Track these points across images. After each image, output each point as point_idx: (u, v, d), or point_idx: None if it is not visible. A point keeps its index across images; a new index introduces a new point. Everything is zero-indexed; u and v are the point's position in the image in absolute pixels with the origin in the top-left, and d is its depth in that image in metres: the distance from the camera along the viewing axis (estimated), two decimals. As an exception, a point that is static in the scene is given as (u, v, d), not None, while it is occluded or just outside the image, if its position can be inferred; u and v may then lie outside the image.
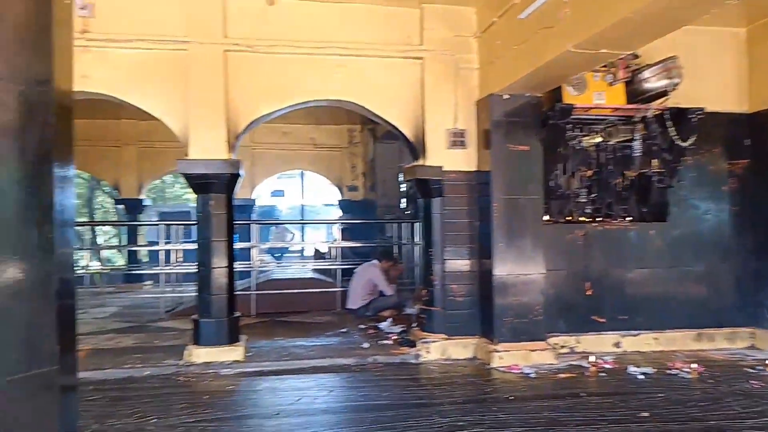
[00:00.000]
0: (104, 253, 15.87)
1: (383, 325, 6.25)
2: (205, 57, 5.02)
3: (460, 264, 5.28)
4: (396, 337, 5.74)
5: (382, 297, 7.06)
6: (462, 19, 5.29)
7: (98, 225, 18.59)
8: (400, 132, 5.42)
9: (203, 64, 5.01)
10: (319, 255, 11.47)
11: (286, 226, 15.31)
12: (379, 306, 6.96)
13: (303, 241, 16.66)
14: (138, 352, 5.28)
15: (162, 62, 5.02)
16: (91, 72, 4.86)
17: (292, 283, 7.78)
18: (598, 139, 5.28)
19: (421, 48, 5.28)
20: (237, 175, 5.14)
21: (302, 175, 17.27)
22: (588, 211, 5.41)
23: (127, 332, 6.30)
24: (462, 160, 5.29)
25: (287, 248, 14.92)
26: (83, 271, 9.39)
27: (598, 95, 4.96)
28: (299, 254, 15.31)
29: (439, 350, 5.12)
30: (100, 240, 19.10)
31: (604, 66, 4.88)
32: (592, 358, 4.93)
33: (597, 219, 5.42)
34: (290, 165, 12.64)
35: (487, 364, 4.87)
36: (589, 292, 5.35)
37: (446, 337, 5.19)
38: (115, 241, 18.04)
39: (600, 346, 5.26)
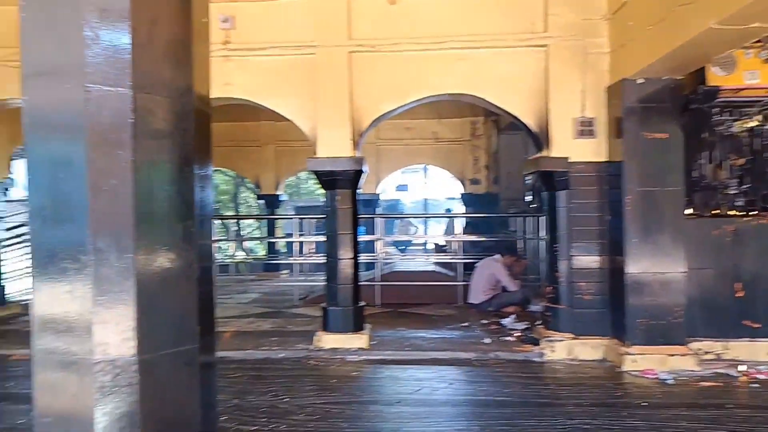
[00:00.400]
0: (247, 244, 17.36)
1: (506, 321, 6.13)
2: (331, 59, 5.28)
3: (589, 260, 5.01)
4: (519, 333, 5.61)
5: (505, 293, 6.93)
6: (589, 1, 4.99)
7: (242, 218, 20.33)
8: (523, 123, 5.27)
9: (329, 67, 5.28)
10: (439, 248, 11.51)
11: (410, 219, 15.56)
12: (502, 302, 6.84)
13: (426, 234, 16.81)
14: (274, 336, 5.73)
15: (293, 67, 5.37)
16: (233, 79, 5.35)
17: (415, 276, 7.92)
18: (753, 124, 4.69)
19: (545, 35, 5.08)
20: (361, 171, 5.34)
21: (425, 169, 17.42)
22: (739, 203, 4.84)
23: (265, 317, 6.85)
24: (590, 151, 5.01)
25: (411, 241, 15.16)
26: (229, 260, 10.37)
27: (751, 74, 4.41)
28: (422, 247, 15.47)
29: (564, 349, 4.91)
30: (244, 232, 20.91)
31: (758, 41, 4.31)
32: (742, 367, 4.42)
33: (750, 213, 4.83)
34: (413, 159, 12.80)
35: (617, 367, 4.58)
36: (739, 294, 4.79)
37: (573, 336, 4.96)
38: (256, 233, 19.62)
39: (753, 355, 4.70)
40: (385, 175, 12.62)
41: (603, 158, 4.98)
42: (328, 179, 5.33)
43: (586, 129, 5.01)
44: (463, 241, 8.33)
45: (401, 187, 20.72)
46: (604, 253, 4.98)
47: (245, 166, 12.81)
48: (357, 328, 5.32)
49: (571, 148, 5.03)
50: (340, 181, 5.29)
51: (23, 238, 10.24)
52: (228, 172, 17.91)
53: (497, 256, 7.15)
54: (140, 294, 1.56)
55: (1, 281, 7.69)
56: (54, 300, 1.55)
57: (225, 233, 14.27)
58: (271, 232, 13.54)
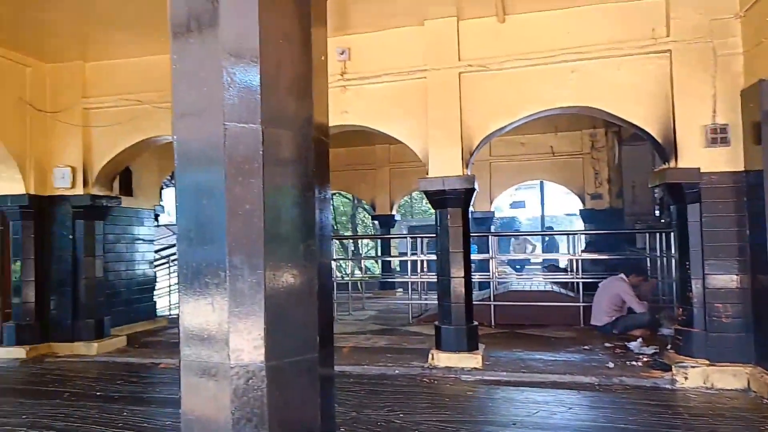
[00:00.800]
0: (364, 263, 17.91)
1: (633, 344, 5.74)
2: (441, 81, 5.40)
3: (726, 279, 4.58)
4: (647, 358, 5.23)
5: (632, 314, 6.49)
6: (718, 0, 4.64)
7: (359, 238, 21.02)
8: (646, 132, 4.98)
9: (440, 88, 5.40)
10: (554, 268, 11.05)
11: (527, 237, 15.12)
12: (627, 324, 6.42)
13: (543, 252, 16.23)
14: (389, 352, 5.87)
15: (405, 92, 5.57)
16: (349, 107, 5.67)
17: (532, 296, 7.69)
18: None
19: (667, 40, 4.80)
20: (472, 190, 5.36)
21: (541, 185, 16.87)
22: None
23: (381, 334, 7.04)
24: (724, 160, 4.61)
25: (528, 260, 14.70)
26: (347, 278, 10.78)
27: None
28: (540, 266, 14.94)
29: (699, 377, 4.50)
30: (361, 251, 21.61)
31: None
32: None
33: None
34: (528, 175, 12.48)
35: (764, 399, 4.10)
36: None
37: (709, 362, 4.53)
38: (372, 253, 20.18)
39: None
40: (498, 192, 12.43)
41: (740, 167, 4.56)
42: (439, 198, 5.41)
43: (718, 136, 4.62)
44: (584, 260, 7.95)
45: (516, 204, 20.22)
46: (744, 271, 4.52)
47: (361, 189, 13.31)
48: (471, 347, 5.29)
49: (701, 157, 4.66)
50: (450, 199, 5.35)
51: (170, 258, 11.48)
52: (346, 195, 18.71)
53: (622, 276, 6.74)
54: (268, 306, 1.74)
55: (153, 297, 8.67)
56: (197, 311, 1.77)
57: (343, 253, 14.87)
58: (385, 251, 13.88)
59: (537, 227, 19.25)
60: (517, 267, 14.00)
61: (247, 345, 1.72)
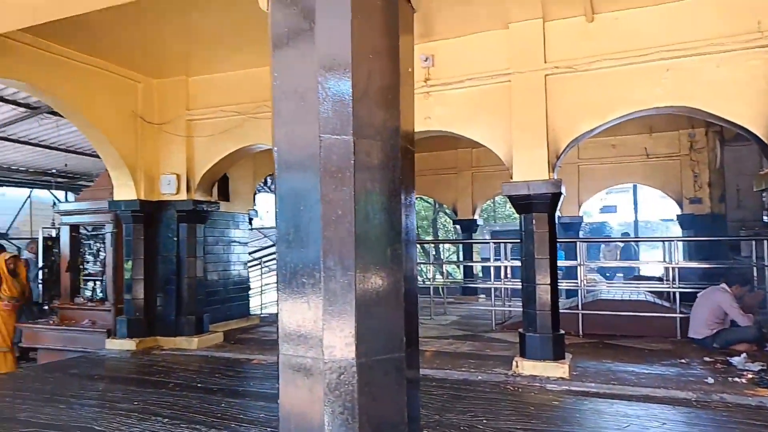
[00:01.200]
0: (445, 268, 17.86)
1: (736, 360, 5.34)
2: (526, 84, 5.34)
3: None
4: (752, 375, 4.86)
5: (735, 328, 6.04)
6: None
7: (440, 243, 21.00)
8: (751, 133, 4.66)
9: (524, 91, 5.34)
10: (645, 277, 10.45)
11: (618, 243, 14.42)
12: (730, 338, 5.98)
13: (637, 260, 15.40)
14: (472, 358, 5.85)
15: (488, 95, 5.56)
16: (432, 113, 5.74)
17: (623, 305, 7.35)
18: None
19: (776, 32, 4.46)
20: (558, 194, 5.24)
21: (635, 188, 16.05)
22: None
23: (463, 339, 7.02)
24: None
25: (619, 268, 14.02)
26: (430, 282, 10.83)
27: None
28: (633, 274, 14.19)
29: (815, 398, 4.13)
30: (442, 256, 21.56)
31: None
32: None
33: None
34: (620, 179, 11.92)
35: None
36: None
37: (827, 383, 4.15)
38: (454, 257, 20.08)
39: None
40: (587, 196, 11.98)
41: None
42: (523, 203, 5.34)
43: (837, 136, 4.23)
44: (682, 269, 7.49)
45: (607, 209, 19.35)
46: None
47: (443, 193, 13.32)
48: (557, 356, 5.17)
49: (816, 159, 4.29)
50: (536, 204, 5.26)
51: (262, 260, 12.09)
52: (427, 199, 18.75)
53: (724, 286, 6.28)
54: (359, 306, 1.84)
55: (247, 297, 9.18)
56: (294, 309, 1.91)
57: (425, 257, 14.93)
58: (467, 256, 13.78)
59: (629, 233, 18.32)
60: (608, 275, 13.41)
61: (339, 342, 1.83)
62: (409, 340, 1.98)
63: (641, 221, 18.54)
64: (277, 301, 1.99)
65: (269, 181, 11.95)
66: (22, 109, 7.72)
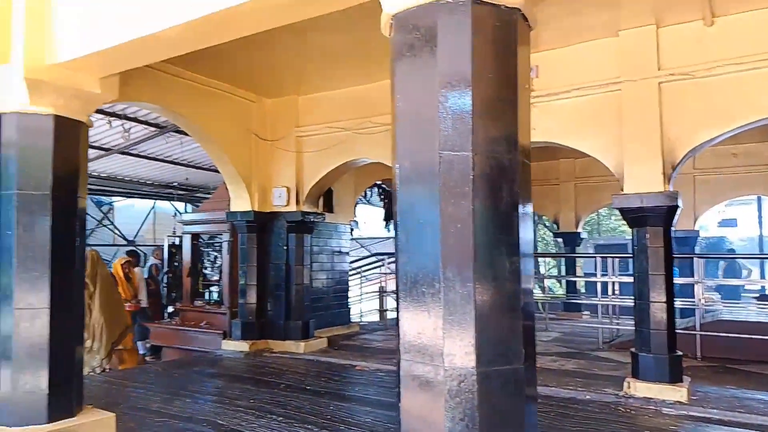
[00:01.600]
0: (546, 282, 17.28)
1: None
2: (638, 93, 5.13)
3: None
4: None
5: None
6: None
7: (541, 256, 20.37)
8: None
9: (636, 100, 5.13)
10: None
11: (740, 260, 13.23)
12: None
13: (763, 278, 14.03)
14: (579, 377, 5.65)
15: (596, 105, 5.40)
16: (536, 124, 5.64)
17: (748, 327, 6.75)
18: None
19: None
20: (675, 207, 4.97)
21: (759, 200, 14.67)
22: None
23: (567, 357, 6.79)
24: None
25: (742, 286, 12.85)
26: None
27: None
28: (759, 294, 12.94)
29: None
30: (542, 270, 20.88)
31: None
32: None
33: None
34: (741, 190, 10.95)
35: None
36: None
37: None
38: (554, 272, 19.38)
39: None
40: (704, 208, 11.12)
41: None
42: (636, 216, 5.11)
43: None
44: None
45: (727, 222, 17.81)
46: None
47: (544, 204, 12.94)
48: (674, 378, 4.86)
49: None
50: (649, 218, 5.01)
51: (360, 270, 12.43)
52: (526, 211, 18.27)
53: None
54: (478, 317, 1.90)
55: (348, 304, 9.49)
56: (415, 318, 2.01)
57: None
58: (569, 270, 13.27)
59: (752, 248, 16.75)
60: (721, 294, 12.34)
61: (459, 351, 1.90)
62: (528, 353, 2.01)
63: (767, 236, 16.86)
64: (397, 309, 2.10)
65: (368, 193, 12.29)
66: (152, 129, 8.58)
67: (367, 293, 11.93)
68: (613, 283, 8.13)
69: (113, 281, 7.79)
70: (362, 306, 11.72)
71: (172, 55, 3.72)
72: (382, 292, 10.58)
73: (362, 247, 16.66)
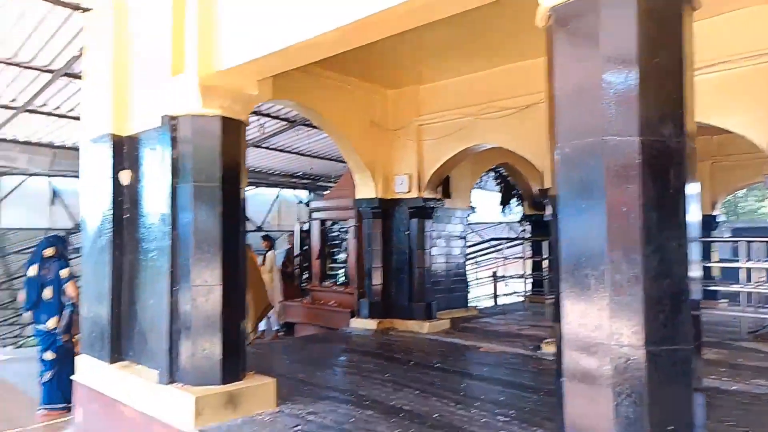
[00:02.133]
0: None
1: None
2: (796, 62, 4.70)
3: None
4: None
5: None
6: None
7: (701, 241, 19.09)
8: None
9: (794, 70, 4.71)
10: None
11: None
12: None
13: None
14: (721, 366, 5.36)
15: (747, 79, 5.01)
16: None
17: None
18: None
19: None
20: (841, 186, 4.52)
21: None
22: None
23: (707, 346, 6.40)
24: None
25: None
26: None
27: None
28: None
29: None
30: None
31: None
32: None
33: None
34: None
35: None
36: None
37: None
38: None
39: None
40: None
41: None
42: (793, 197, 4.72)
43: None
44: None
45: None
46: None
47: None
48: (838, 373, 4.47)
49: None
50: (810, 199, 4.61)
51: (474, 254, 12.49)
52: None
53: None
54: (646, 298, 1.96)
55: (467, 288, 9.62)
56: (578, 298, 2.10)
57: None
58: (704, 255, 12.33)
59: None
60: None
61: (627, 330, 1.97)
62: (697, 336, 2.03)
63: None
64: (559, 289, 2.20)
65: (482, 179, 12.26)
66: (283, 123, 9.21)
67: (480, 278, 11.97)
68: (758, 269, 7.48)
69: (256, 263, 8.53)
70: (478, 290, 11.78)
71: (322, 57, 4.01)
72: (496, 278, 10.57)
73: (473, 232, 16.64)
